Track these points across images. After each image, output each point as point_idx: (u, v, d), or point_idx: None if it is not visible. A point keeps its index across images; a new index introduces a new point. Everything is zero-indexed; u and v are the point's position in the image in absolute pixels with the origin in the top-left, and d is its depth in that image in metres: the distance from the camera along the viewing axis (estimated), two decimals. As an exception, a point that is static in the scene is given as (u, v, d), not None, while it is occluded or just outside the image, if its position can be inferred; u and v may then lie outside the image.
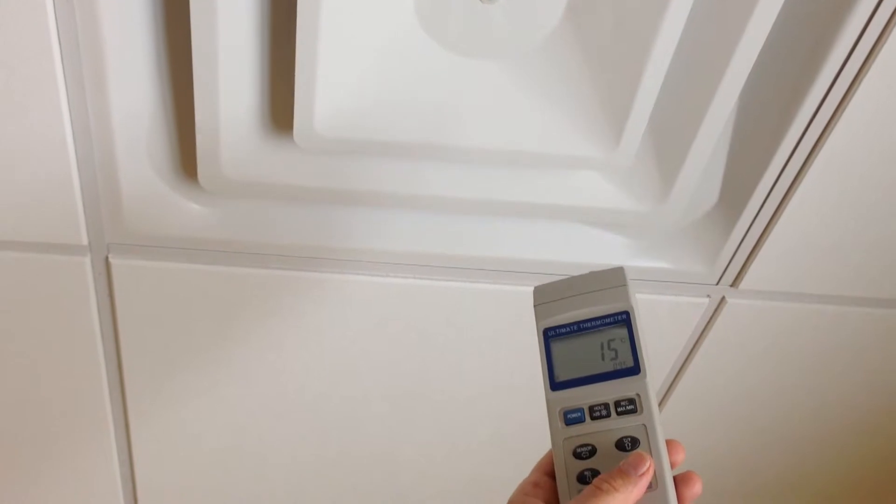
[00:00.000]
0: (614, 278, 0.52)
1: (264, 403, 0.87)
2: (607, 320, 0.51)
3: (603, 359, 0.51)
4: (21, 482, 0.94)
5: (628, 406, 0.49)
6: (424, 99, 0.61)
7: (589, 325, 0.52)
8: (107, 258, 0.72)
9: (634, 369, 0.49)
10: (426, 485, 1.01)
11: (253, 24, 0.58)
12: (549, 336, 0.53)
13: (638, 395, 0.49)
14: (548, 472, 0.51)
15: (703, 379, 0.89)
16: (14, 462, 0.92)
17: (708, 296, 0.80)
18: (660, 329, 0.82)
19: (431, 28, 0.59)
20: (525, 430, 0.93)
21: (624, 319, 0.51)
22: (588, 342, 0.51)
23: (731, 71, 0.61)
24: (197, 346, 0.80)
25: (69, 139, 0.63)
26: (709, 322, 0.83)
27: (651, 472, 0.46)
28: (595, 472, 0.48)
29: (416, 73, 0.61)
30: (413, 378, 0.86)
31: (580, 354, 0.51)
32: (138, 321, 0.77)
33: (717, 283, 0.79)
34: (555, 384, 0.51)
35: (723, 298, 0.81)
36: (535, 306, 0.54)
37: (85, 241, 0.70)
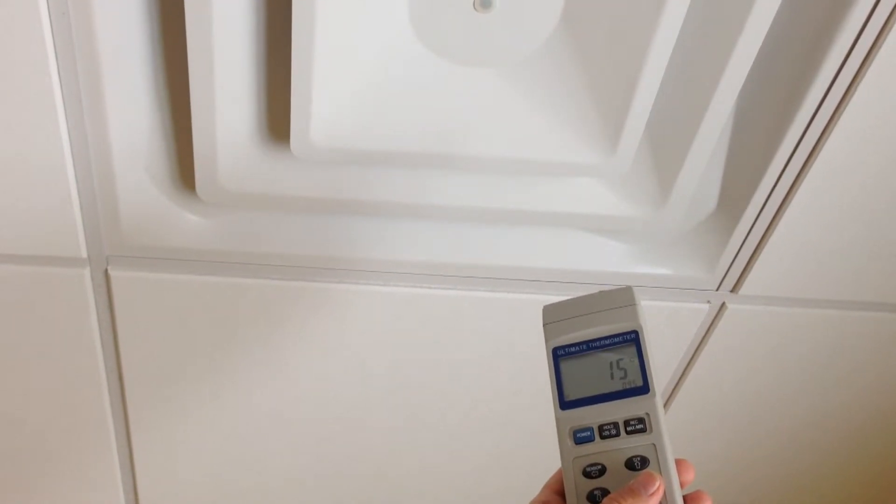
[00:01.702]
0: (623, 298, 0.53)
1: (265, 413, 0.87)
2: (616, 339, 0.52)
3: (612, 378, 0.51)
4: (23, 494, 0.94)
5: (638, 425, 0.49)
6: (420, 108, 0.61)
7: (598, 344, 0.52)
8: (106, 270, 0.72)
9: (644, 388, 0.50)
10: (429, 493, 1.01)
11: (249, 35, 0.58)
12: (559, 355, 0.53)
13: (647, 414, 0.49)
14: (557, 490, 0.51)
15: (704, 385, 0.89)
16: (16, 473, 0.92)
17: (708, 302, 0.80)
18: (660, 336, 0.82)
19: (427, 37, 0.59)
20: (527, 437, 0.93)
21: (633, 339, 0.51)
22: (597, 361, 0.52)
23: (728, 75, 0.61)
24: (197, 357, 0.80)
25: (67, 152, 0.63)
26: (709, 328, 0.83)
27: (661, 492, 0.46)
28: (605, 491, 0.48)
29: (412, 82, 0.61)
30: (415, 386, 0.86)
31: (589, 374, 0.51)
32: (138, 332, 0.77)
33: (717, 289, 0.79)
34: (564, 403, 0.51)
35: (723, 304, 0.80)
36: (544, 325, 0.54)
37: (84, 254, 0.70)
